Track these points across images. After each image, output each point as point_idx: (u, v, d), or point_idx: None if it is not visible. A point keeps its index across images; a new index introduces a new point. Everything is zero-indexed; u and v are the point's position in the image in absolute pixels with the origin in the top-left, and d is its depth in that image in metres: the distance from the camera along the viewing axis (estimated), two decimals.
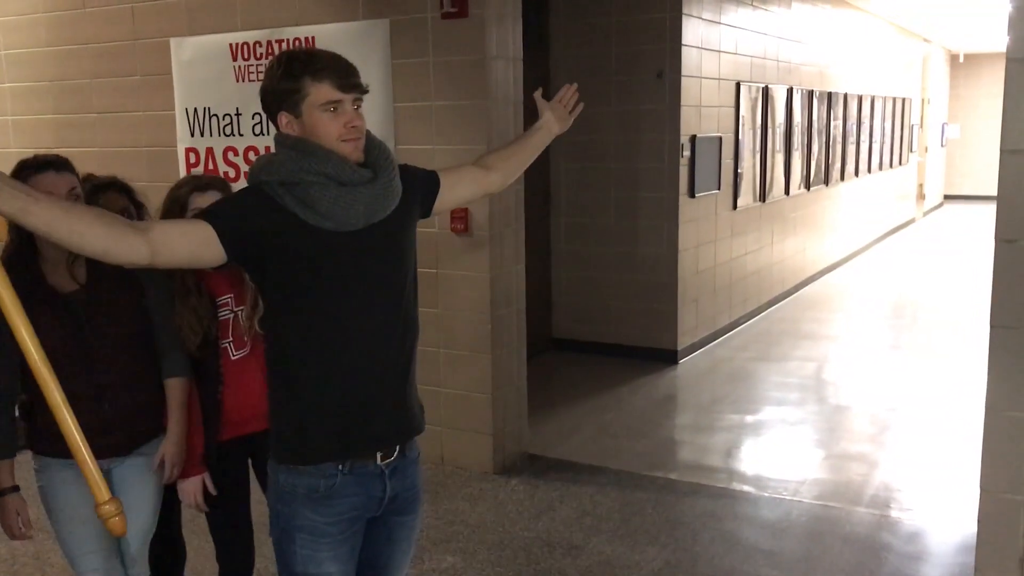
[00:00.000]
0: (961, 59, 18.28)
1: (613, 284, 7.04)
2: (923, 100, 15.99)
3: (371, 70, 4.67)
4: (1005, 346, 2.38)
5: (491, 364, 4.73)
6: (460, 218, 4.61)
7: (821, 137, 10.13)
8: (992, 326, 2.39)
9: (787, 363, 7.05)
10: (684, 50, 6.56)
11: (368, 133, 2.10)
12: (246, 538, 2.93)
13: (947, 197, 19.24)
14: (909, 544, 4.01)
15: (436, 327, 4.77)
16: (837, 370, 7.02)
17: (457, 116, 4.58)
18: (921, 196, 16.42)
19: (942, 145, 18.32)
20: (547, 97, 2.62)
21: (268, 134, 5.08)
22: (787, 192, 9.11)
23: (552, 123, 2.58)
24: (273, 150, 2.11)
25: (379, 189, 2.04)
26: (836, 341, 7.90)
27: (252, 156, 5.16)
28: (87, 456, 2.07)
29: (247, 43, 5.09)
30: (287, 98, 2.03)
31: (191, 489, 2.75)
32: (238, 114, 5.17)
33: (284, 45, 4.94)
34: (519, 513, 4.35)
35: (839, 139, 10.86)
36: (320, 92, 2.00)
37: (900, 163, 14.43)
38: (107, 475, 2.70)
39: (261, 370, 2.68)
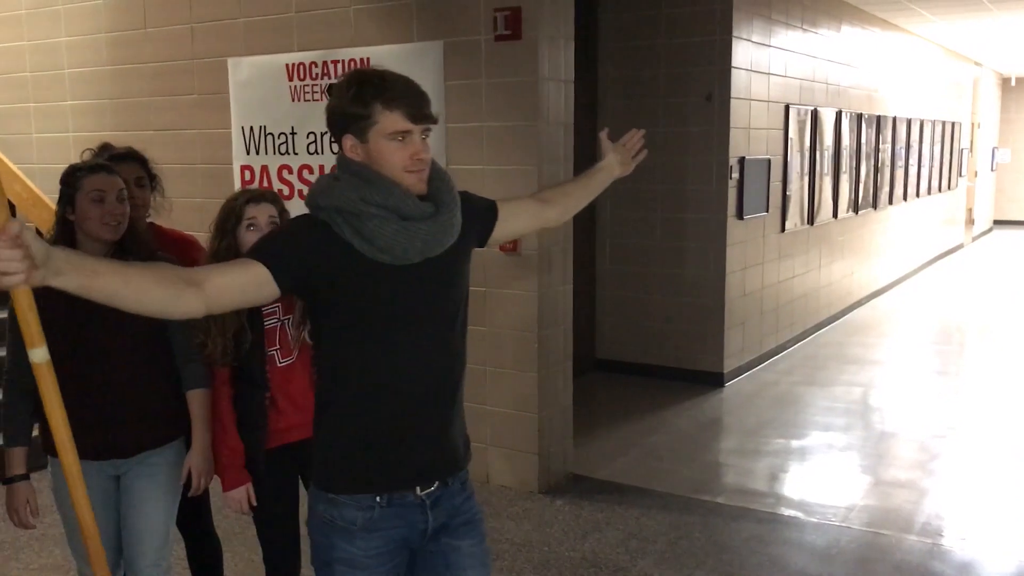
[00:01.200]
0: (1013, 83, 18.02)
1: (659, 305, 7.03)
2: (973, 124, 15.78)
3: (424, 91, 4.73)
4: None
5: (537, 383, 4.74)
6: None
7: (869, 161, 10.04)
8: None
9: (834, 388, 6.97)
10: (734, 72, 6.56)
11: (433, 163, 2.04)
12: (292, 545, 2.96)
13: (997, 222, 18.92)
14: (962, 574, 3.94)
15: (484, 345, 4.79)
16: (884, 395, 6.93)
17: (509, 137, 4.63)
18: (970, 221, 16.17)
19: (992, 169, 18.04)
20: (613, 138, 2.61)
21: (322, 153, 5.17)
22: (835, 215, 9.04)
23: (614, 165, 2.56)
24: (333, 171, 2.05)
25: (440, 225, 1.98)
26: (883, 366, 7.79)
27: (306, 174, 5.25)
28: (94, 532, 1.98)
29: (303, 63, 5.19)
30: (355, 122, 1.95)
31: (237, 498, 2.79)
32: (293, 133, 5.27)
33: (339, 66, 5.03)
34: (564, 533, 4.35)
35: (887, 163, 10.75)
36: (390, 121, 1.93)
37: (949, 187, 14.24)
38: (115, 481, 2.75)
39: (307, 378, 2.76)
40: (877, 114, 10.15)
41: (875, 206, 10.43)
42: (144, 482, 2.75)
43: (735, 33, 6.55)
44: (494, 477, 4.92)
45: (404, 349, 2.01)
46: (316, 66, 5.14)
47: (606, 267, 7.24)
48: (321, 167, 5.18)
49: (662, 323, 7.05)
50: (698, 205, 6.78)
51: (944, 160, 13.70)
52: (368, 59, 4.93)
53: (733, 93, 6.58)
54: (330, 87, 2.05)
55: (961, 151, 14.91)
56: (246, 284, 1.90)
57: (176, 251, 3.01)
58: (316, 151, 5.20)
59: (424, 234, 1.95)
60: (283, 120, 5.31)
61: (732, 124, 6.61)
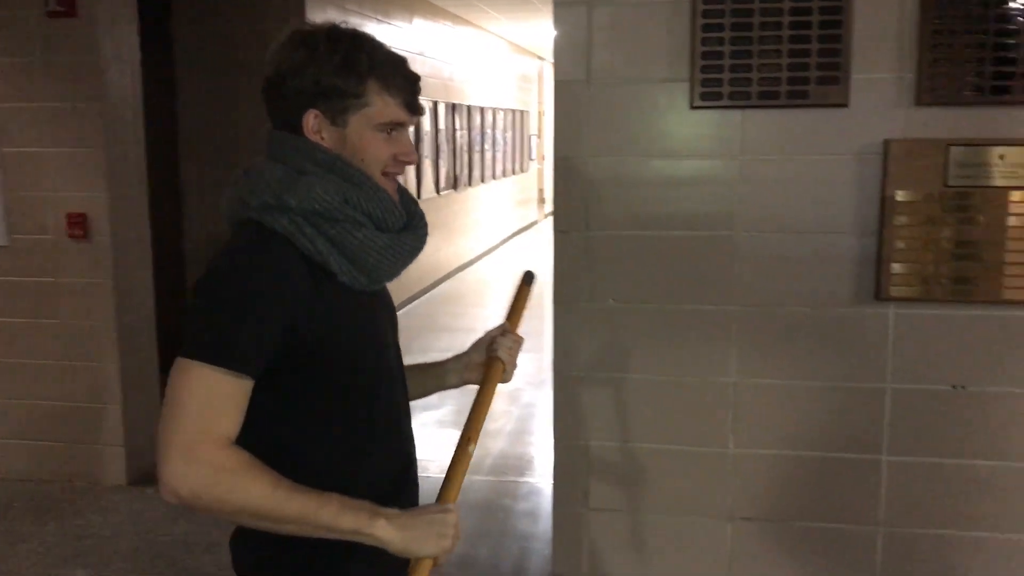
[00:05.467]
0: None
1: None
2: (540, 112, 17.55)
3: None
4: (562, 318, 2.86)
5: (119, 373, 4.60)
6: (78, 223, 4.45)
7: (450, 145, 10.83)
8: (555, 303, 2.85)
9: (428, 354, 7.42)
10: None
11: None
12: None
13: None
14: (523, 502, 4.54)
15: (57, 337, 4.56)
16: None
17: (70, 118, 4.42)
18: (541, 200, 18.00)
19: None
20: None
21: None
22: (421, 196, 9.66)
23: (458, 373, 1.92)
24: (266, 162, 1.51)
25: (419, 239, 1.58)
26: (473, 333, 8.25)
27: None
28: None
29: None
30: (334, 98, 1.46)
31: None
32: None
33: None
34: (156, 521, 4.29)
35: (466, 147, 11.67)
36: (386, 108, 1.48)
37: (522, 170, 15.75)
38: None
39: None
40: (454, 102, 10.96)
41: (456, 187, 11.27)
42: None
43: (308, 20, 6.73)
44: (78, 473, 4.69)
45: (381, 406, 1.58)
46: None
47: (198, 254, 7.11)
48: None
49: None
50: None
51: (516, 145, 15.12)
52: None
53: None
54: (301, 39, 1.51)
55: (530, 137, 16.53)
56: (240, 404, 1.40)
57: None
58: None
59: (407, 250, 1.55)
60: None
61: None
